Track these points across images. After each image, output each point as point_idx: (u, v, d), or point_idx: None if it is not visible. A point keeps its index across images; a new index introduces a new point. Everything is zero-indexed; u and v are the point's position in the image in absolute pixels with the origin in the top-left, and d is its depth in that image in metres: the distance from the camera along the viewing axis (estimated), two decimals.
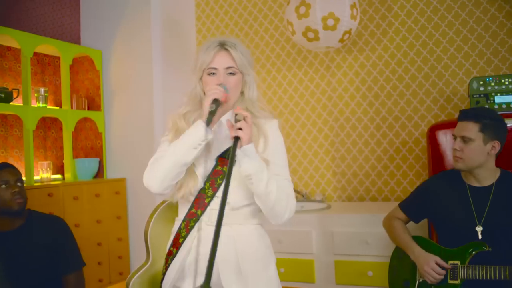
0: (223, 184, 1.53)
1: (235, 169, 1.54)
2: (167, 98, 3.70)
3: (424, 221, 2.63)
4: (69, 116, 3.46)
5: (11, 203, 2.27)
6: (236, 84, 1.67)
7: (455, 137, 2.18)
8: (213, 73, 1.65)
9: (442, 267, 2.13)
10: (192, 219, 1.65)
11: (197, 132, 1.55)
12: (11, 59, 3.40)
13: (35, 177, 3.26)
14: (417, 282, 2.23)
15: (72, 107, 3.54)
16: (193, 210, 1.65)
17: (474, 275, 2.06)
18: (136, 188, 3.63)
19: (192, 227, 1.64)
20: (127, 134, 3.68)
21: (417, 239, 2.29)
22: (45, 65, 3.68)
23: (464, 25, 3.29)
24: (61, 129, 3.64)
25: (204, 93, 1.69)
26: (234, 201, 1.63)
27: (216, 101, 1.53)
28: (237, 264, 1.61)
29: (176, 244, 1.66)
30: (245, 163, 1.53)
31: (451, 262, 2.14)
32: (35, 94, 3.35)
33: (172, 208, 1.84)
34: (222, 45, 1.66)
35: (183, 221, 1.66)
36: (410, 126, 3.43)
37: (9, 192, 2.27)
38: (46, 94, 3.38)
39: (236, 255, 1.61)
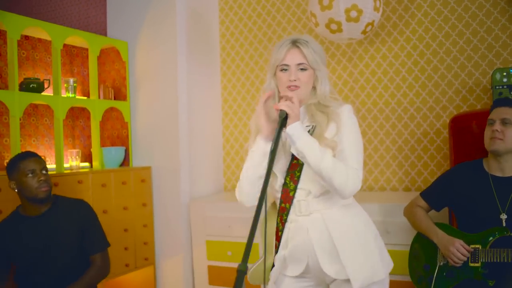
0: (301, 175, 1.69)
1: None
2: (191, 88, 3.77)
3: (445, 211, 2.67)
4: (96, 106, 3.56)
5: (38, 191, 2.37)
6: (308, 80, 1.77)
7: (491, 122, 2.27)
8: (285, 69, 1.76)
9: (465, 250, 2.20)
10: (283, 213, 1.78)
11: (258, 150, 1.74)
12: (42, 51, 3.51)
13: (65, 165, 3.37)
14: (438, 265, 2.29)
15: (99, 97, 3.64)
16: (283, 204, 1.79)
17: (495, 257, 2.14)
18: (161, 176, 3.73)
19: (286, 220, 1.78)
20: (152, 123, 3.76)
21: (438, 225, 2.36)
22: (74, 56, 3.79)
23: (488, 16, 3.28)
24: (88, 118, 3.75)
25: (278, 88, 1.81)
26: (315, 189, 1.74)
27: (282, 113, 1.63)
28: (331, 242, 1.71)
29: (277, 237, 1.81)
30: (294, 141, 1.63)
31: (472, 246, 2.22)
32: (65, 85, 3.46)
33: (274, 205, 1.96)
34: (294, 43, 1.77)
35: (278, 216, 1.80)
36: (431, 117, 3.45)
37: (35, 181, 2.36)
38: (75, 84, 3.48)
39: (329, 234, 1.71)
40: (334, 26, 3.05)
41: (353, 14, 2.97)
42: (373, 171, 3.63)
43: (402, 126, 3.54)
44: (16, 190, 2.41)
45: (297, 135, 1.62)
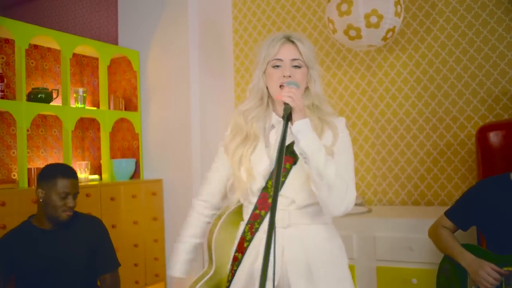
0: (287, 180, 1.49)
1: (300, 167, 1.49)
2: (204, 99, 3.67)
3: (473, 230, 2.51)
4: (106, 116, 3.47)
5: (61, 214, 2.26)
6: (302, 78, 1.61)
7: None
8: (278, 66, 1.60)
9: (498, 273, 2.04)
10: (256, 221, 1.60)
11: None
12: (51, 60, 3.43)
13: None
14: None
15: (109, 108, 3.55)
16: (257, 211, 1.60)
17: None
18: (173, 189, 3.62)
19: (257, 229, 1.59)
20: (164, 135, 3.66)
21: (467, 247, 2.20)
22: (83, 66, 3.70)
23: None
24: (98, 129, 3.66)
25: (267, 88, 1.65)
26: (300, 199, 1.56)
27: (286, 108, 1.46)
28: (307, 265, 1.55)
29: (241, 248, 1.62)
30: (299, 139, 1.45)
31: (506, 268, 2.05)
32: (74, 95, 3.37)
33: (238, 213, 1.77)
34: (288, 38, 1.62)
35: (247, 224, 1.61)
36: (455, 127, 3.29)
37: (63, 203, 2.25)
38: (84, 94, 3.40)
39: (305, 256, 1.55)
40: (353, 33, 2.92)
41: (373, 19, 2.84)
42: (394, 184, 3.47)
43: (424, 137, 3.38)
44: (40, 200, 2.29)
45: (303, 132, 1.44)
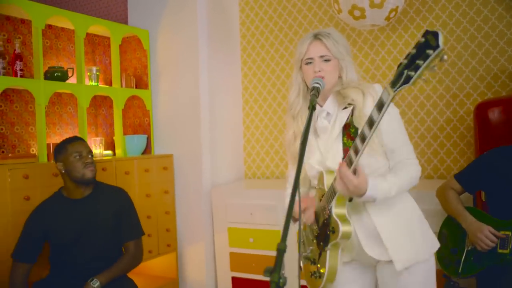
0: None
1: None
2: (212, 76, 3.78)
3: (469, 195, 2.67)
4: (119, 94, 3.59)
5: (85, 171, 2.48)
6: (332, 69, 1.80)
7: None
8: (310, 62, 1.80)
9: (494, 236, 2.20)
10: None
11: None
12: (65, 40, 3.54)
13: None
14: (466, 249, 2.29)
15: (121, 86, 3.66)
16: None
17: None
18: (183, 164, 3.76)
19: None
20: (174, 111, 3.79)
21: (469, 210, 2.37)
22: (96, 45, 3.81)
23: None
24: (110, 106, 3.79)
25: (305, 81, 1.86)
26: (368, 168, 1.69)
27: (313, 96, 1.65)
28: (374, 228, 1.72)
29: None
30: (376, 201, 1.65)
31: (503, 232, 2.20)
32: (88, 73, 3.49)
33: None
34: (316, 36, 1.81)
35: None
36: (455, 104, 3.42)
37: (81, 162, 2.48)
38: (98, 73, 3.51)
39: (371, 221, 1.73)
40: (357, 13, 3.02)
41: (377, 0, 2.94)
42: None
43: (425, 113, 3.51)
44: (63, 171, 2.51)
45: (376, 197, 1.62)
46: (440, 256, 2.46)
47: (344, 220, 1.67)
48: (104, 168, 3.23)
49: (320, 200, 1.77)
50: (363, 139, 1.47)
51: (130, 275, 2.74)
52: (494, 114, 2.75)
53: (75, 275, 2.46)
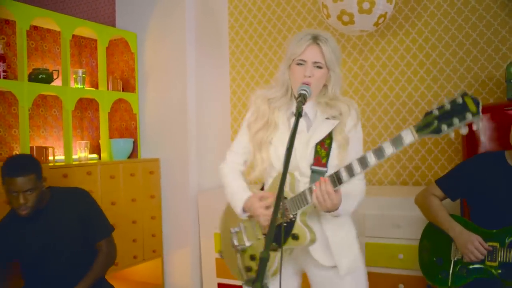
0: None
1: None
2: (200, 80, 3.75)
3: (457, 201, 2.62)
4: (105, 97, 3.54)
5: (18, 211, 2.29)
6: (321, 77, 1.80)
7: None
8: (301, 64, 1.78)
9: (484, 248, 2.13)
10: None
11: (236, 208, 1.86)
12: (50, 41, 3.49)
13: (74, 156, 3.36)
14: (453, 260, 2.23)
15: (108, 89, 3.62)
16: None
17: None
18: (169, 168, 3.71)
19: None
20: (161, 115, 3.75)
21: (453, 218, 2.26)
22: (82, 47, 3.76)
23: (502, 8, 3.23)
24: (97, 109, 3.74)
25: (290, 80, 1.84)
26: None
27: (299, 103, 1.67)
28: (323, 236, 1.81)
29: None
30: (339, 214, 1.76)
31: (490, 244, 2.13)
32: (73, 76, 3.44)
33: None
34: (315, 39, 1.78)
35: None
36: None
37: (15, 201, 2.26)
38: (84, 75, 3.47)
39: (322, 229, 1.82)
40: (346, 18, 3.01)
41: (366, 5, 2.93)
42: (383, 165, 3.60)
43: (413, 119, 3.51)
44: None
45: (341, 212, 1.74)
46: (424, 267, 2.37)
47: (309, 227, 1.75)
48: (89, 172, 3.18)
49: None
50: (365, 166, 1.56)
51: (114, 281, 2.68)
52: (483, 121, 2.74)
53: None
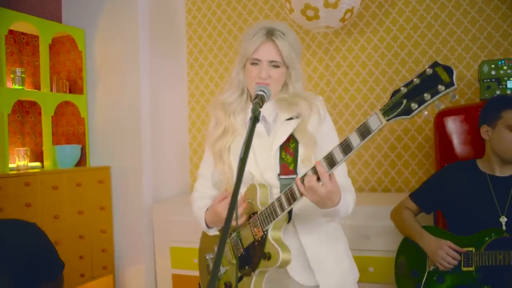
0: None
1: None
2: (154, 81, 3.49)
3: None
4: (48, 99, 3.23)
5: None
6: (279, 77, 1.60)
7: None
8: (256, 63, 1.58)
9: (456, 252, 2.02)
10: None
11: (202, 226, 1.69)
12: None
13: (11, 165, 3.02)
14: (427, 270, 2.10)
15: (52, 90, 3.30)
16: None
17: (490, 260, 1.95)
18: (121, 177, 3.44)
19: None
20: (112, 119, 3.47)
21: (428, 229, 2.17)
22: (23, 45, 3.43)
23: (472, 6, 3.09)
24: (40, 113, 3.41)
25: (246, 81, 1.65)
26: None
27: (255, 106, 1.43)
28: (302, 252, 1.57)
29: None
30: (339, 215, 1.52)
31: (465, 248, 2.03)
32: (11, 75, 3.11)
33: None
34: (270, 35, 1.56)
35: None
36: None
37: None
38: (23, 75, 3.14)
39: (300, 243, 1.58)
40: (310, 13, 2.80)
41: None
42: (351, 171, 3.39)
43: None
44: None
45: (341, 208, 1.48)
46: (399, 281, 2.25)
47: (283, 245, 1.50)
48: (27, 182, 2.85)
49: (250, 216, 1.56)
50: (332, 164, 1.35)
51: None
52: (455, 123, 2.58)
53: None
